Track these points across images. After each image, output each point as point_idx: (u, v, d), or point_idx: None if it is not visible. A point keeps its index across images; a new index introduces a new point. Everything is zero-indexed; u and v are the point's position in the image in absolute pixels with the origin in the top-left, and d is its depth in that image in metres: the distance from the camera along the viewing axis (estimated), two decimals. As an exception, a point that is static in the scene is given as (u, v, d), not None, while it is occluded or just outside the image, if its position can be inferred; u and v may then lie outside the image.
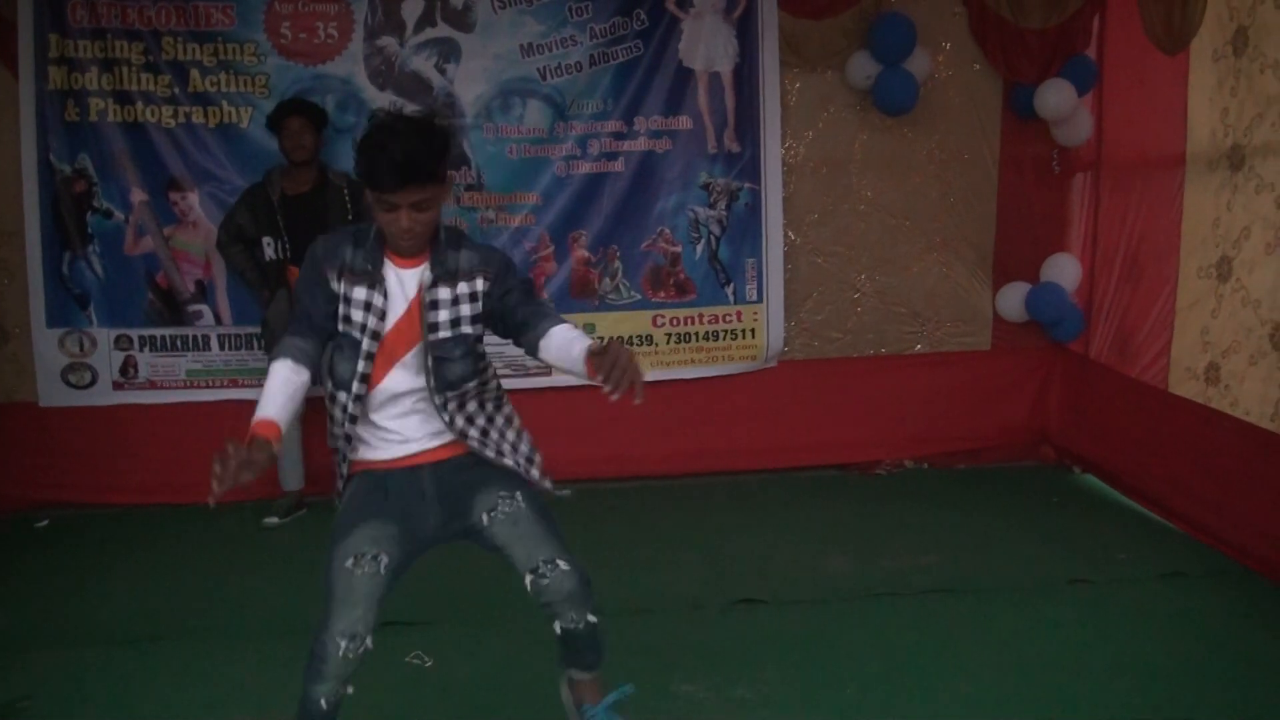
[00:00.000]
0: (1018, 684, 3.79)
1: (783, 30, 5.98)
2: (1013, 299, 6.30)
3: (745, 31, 5.97)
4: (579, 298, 6.12)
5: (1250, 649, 4.04)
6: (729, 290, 6.18)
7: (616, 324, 6.14)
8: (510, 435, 3.06)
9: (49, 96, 5.70)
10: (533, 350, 2.88)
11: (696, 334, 6.20)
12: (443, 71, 5.88)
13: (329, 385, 2.90)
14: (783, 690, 3.80)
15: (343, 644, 2.72)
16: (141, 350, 5.88)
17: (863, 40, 5.95)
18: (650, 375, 6.09)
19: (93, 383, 5.87)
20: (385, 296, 2.81)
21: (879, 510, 5.74)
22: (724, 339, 6.21)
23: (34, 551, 5.43)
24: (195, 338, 5.90)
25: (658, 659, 4.06)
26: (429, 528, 2.94)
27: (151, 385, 5.91)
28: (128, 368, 5.87)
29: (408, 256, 2.84)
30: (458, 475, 2.94)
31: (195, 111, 5.74)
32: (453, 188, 2.93)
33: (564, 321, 2.89)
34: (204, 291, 5.89)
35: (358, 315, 2.81)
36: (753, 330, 6.22)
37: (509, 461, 2.98)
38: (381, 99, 5.83)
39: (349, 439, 2.90)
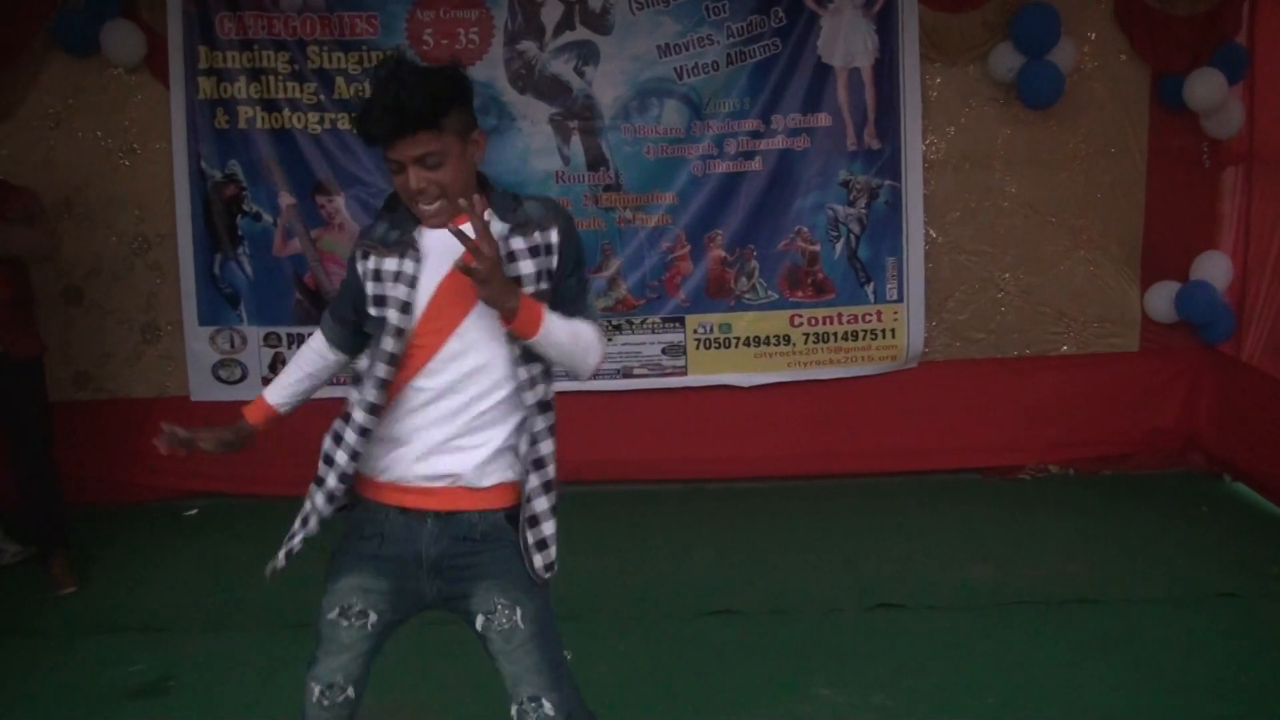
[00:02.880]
0: (1162, 699, 3.69)
1: (923, 23, 5.90)
2: (1162, 298, 6.11)
3: (885, 26, 5.90)
4: (715, 297, 6.09)
5: None
6: (869, 289, 6.10)
7: (753, 324, 6.11)
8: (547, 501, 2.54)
9: (199, 106, 5.89)
10: None
11: (835, 334, 6.13)
12: (581, 74, 5.93)
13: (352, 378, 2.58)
14: (922, 698, 3.75)
15: (317, 689, 2.57)
16: (290, 347, 6.01)
17: (1005, 32, 5.83)
18: (788, 375, 6.12)
19: (243, 378, 6.04)
20: (418, 261, 2.44)
21: (1021, 516, 5.61)
22: (863, 339, 6.13)
23: (184, 539, 5.61)
24: (341, 335, 6.01)
25: (796, 661, 4.05)
26: (424, 597, 2.54)
27: (299, 382, 6.03)
28: (276, 364, 6.00)
29: (440, 227, 2.41)
30: (462, 551, 2.48)
31: (341, 118, 5.88)
32: (477, 144, 2.43)
33: (592, 325, 2.52)
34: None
35: (389, 289, 2.45)
36: (893, 330, 6.13)
37: (529, 558, 2.49)
38: (521, 102, 5.92)
39: (354, 455, 2.51)
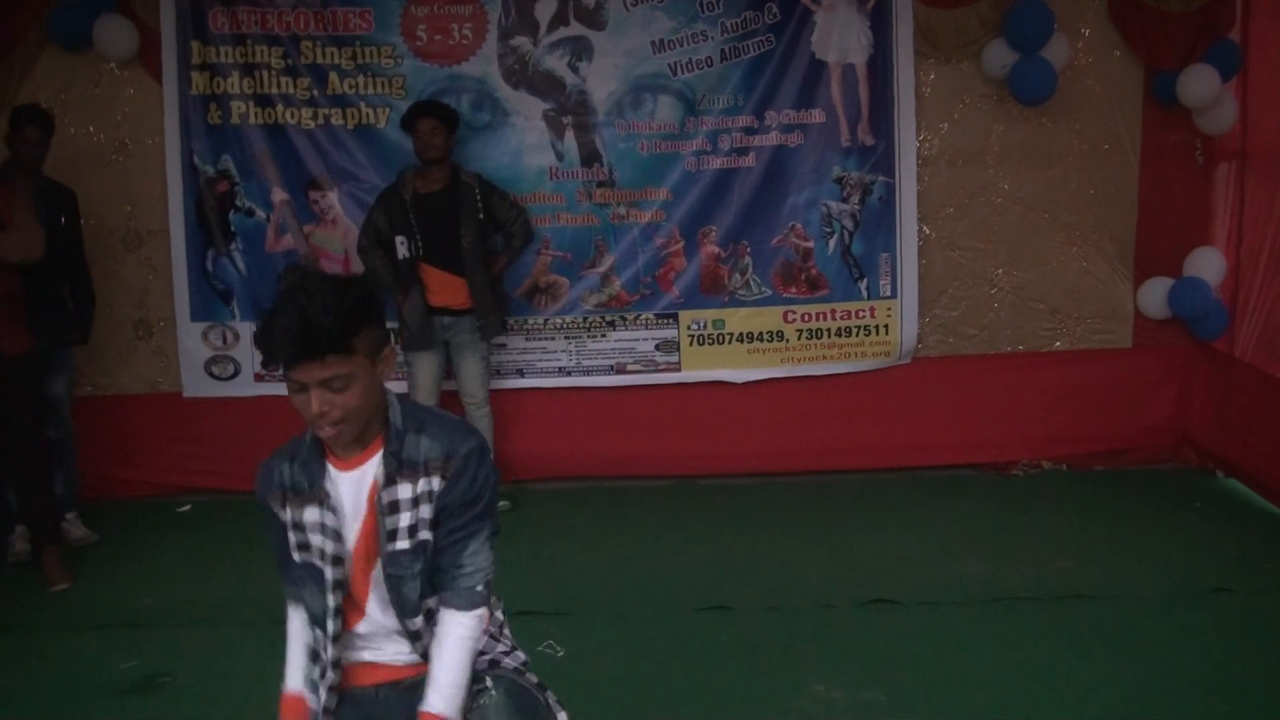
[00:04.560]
0: (1156, 694, 3.68)
1: (917, 20, 5.91)
2: (1154, 294, 6.11)
3: (879, 22, 5.91)
4: (709, 293, 6.10)
5: None
6: (862, 285, 6.10)
7: (747, 320, 6.12)
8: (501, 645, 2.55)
9: (192, 101, 5.90)
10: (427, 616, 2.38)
11: (828, 330, 6.13)
12: (575, 70, 5.93)
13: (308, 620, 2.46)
14: (915, 694, 3.75)
15: None
16: (282, 344, 5.99)
17: (999, 28, 5.83)
18: (781, 371, 6.13)
19: (235, 375, 6.05)
20: (335, 512, 2.30)
21: (1014, 512, 5.63)
22: (857, 335, 6.13)
23: (177, 534, 5.62)
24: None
25: (790, 657, 4.05)
26: None
27: (292, 378, 6.02)
28: (269, 361, 5.99)
29: (346, 455, 2.31)
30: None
31: (334, 113, 5.89)
32: (386, 362, 2.27)
33: (464, 611, 2.33)
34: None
35: (315, 540, 2.33)
36: (886, 326, 6.13)
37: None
38: (515, 98, 5.93)
39: (338, 668, 2.42)
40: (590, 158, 5.98)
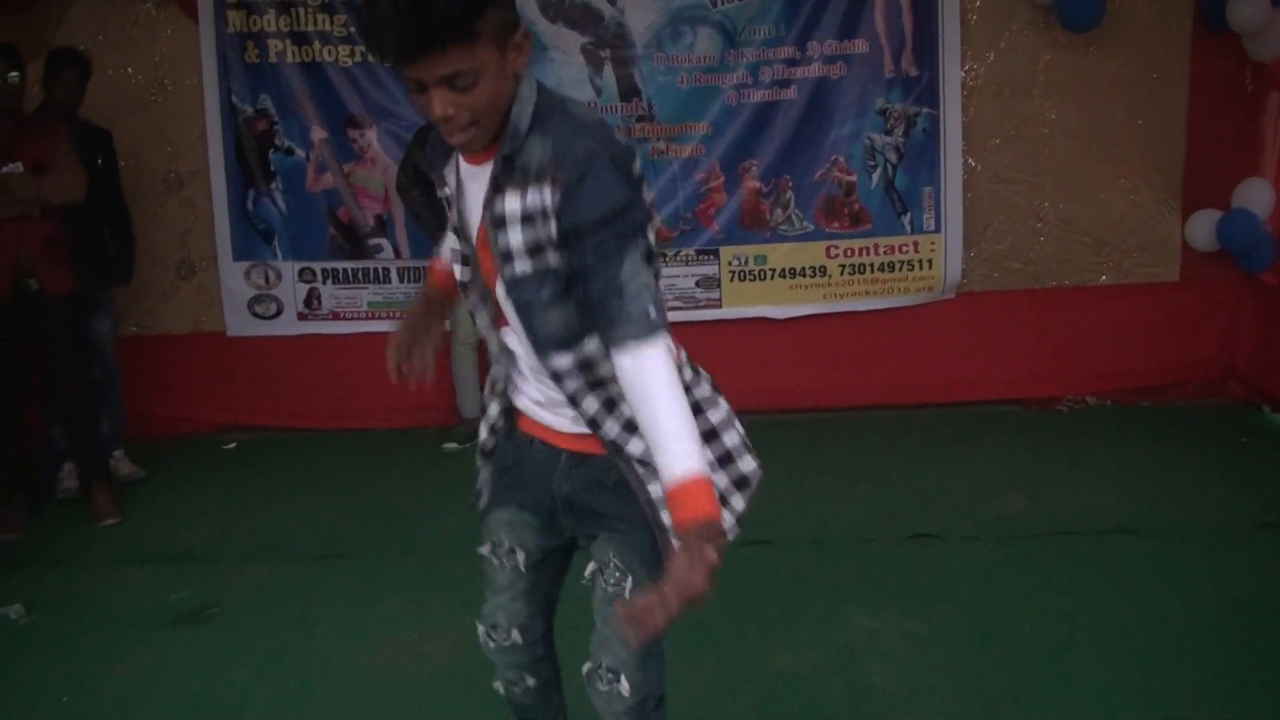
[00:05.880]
0: (1200, 630, 3.64)
1: (962, -56, 5.78)
2: (1202, 227, 5.99)
3: (923, -53, 5.79)
4: (750, 229, 6.04)
5: None
6: (905, 220, 6.02)
7: (789, 255, 6.06)
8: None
9: (229, 40, 5.87)
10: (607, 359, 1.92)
11: (871, 265, 6.07)
12: (613, 2, 5.85)
13: None
14: (957, 626, 3.73)
15: (482, 629, 2.35)
16: (324, 283, 6.04)
17: (1046, -48, 5.70)
18: (824, 307, 6.07)
19: (278, 314, 6.08)
20: (460, 191, 2.05)
21: (1058, 447, 5.57)
22: (900, 270, 6.07)
23: (223, 472, 5.68)
24: (376, 270, 6.02)
25: (831, 589, 4.04)
26: (564, 529, 2.24)
27: (334, 316, 6.09)
28: (311, 299, 6.04)
29: (472, 154, 1.97)
30: (592, 494, 2.13)
31: (371, 50, 5.84)
32: (520, 49, 1.86)
33: (642, 341, 1.81)
34: (383, 225, 6.01)
35: (451, 214, 2.11)
36: (930, 261, 6.06)
37: (647, 498, 2.04)
38: (553, 32, 5.85)
39: (507, 377, 2.21)
40: (629, 92, 5.91)
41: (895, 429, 5.94)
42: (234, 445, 6.02)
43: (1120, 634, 3.62)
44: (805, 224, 6.04)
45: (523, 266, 1.92)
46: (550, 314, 1.95)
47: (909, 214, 6.02)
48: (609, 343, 1.84)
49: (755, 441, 2.18)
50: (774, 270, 6.08)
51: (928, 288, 6.10)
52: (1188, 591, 3.92)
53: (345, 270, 6.04)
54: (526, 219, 1.88)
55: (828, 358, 6.14)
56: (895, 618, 3.78)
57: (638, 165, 1.93)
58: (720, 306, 6.09)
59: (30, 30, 5.70)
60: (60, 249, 4.80)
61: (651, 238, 1.94)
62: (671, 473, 1.77)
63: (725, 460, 2.13)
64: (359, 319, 6.04)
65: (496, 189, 1.91)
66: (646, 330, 1.80)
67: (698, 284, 6.08)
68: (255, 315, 6.07)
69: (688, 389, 1.98)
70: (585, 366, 1.99)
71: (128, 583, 4.30)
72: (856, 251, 6.07)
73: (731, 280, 6.09)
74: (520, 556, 2.27)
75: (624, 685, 2.16)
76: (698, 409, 2.05)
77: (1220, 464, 5.24)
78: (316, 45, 5.86)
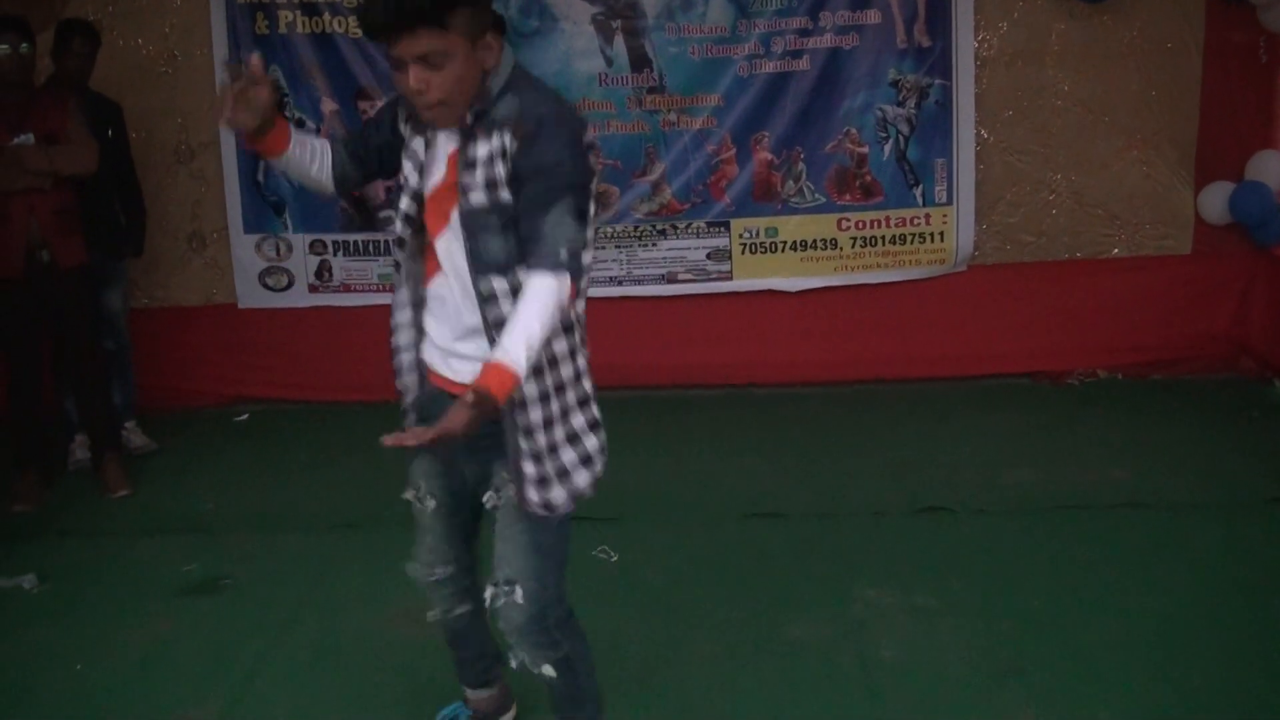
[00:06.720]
0: (1211, 604, 3.63)
1: (975, -87, 5.73)
2: (1215, 199, 5.97)
3: (936, -84, 5.74)
4: (762, 201, 6.02)
5: None
6: (917, 192, 6.00)
7: (800, 227, 6.04)
8: (561, 430, 2.42)
9: (239, 10, 5.86)
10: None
11: (883, 237, 6.05)
12: (624, -29, 5.83)
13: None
14: (966, 599, 3.73)
15: (413, 566, 2.70)
16: (335, 255, 6.05)
17: (1060, -79, 5.66)
18: (835, 280, 6.06)
19: (289, 286, 6.09)
20: (428, 146, 2.36)
21: (1069, 421, 5.57)
22: (911, 242, 6.05)
23: (235, 443, 5.71)
24: (387, 243, 5.99)
25: (841, 563, 4.05)
26: (467, 480, 2.56)
27: (345, 288, 6.10)
28: (322, 271, 6.05)
29: (445, 127, 2.33)
30: (487, 430, 2.24)
31: (381, 21, 5.81)
32: (488, 49, 2.22)
33: (544, 271, 2.19)
34: (394, 198, 5.98)
35: (407, 166, 2.40)
36: (942, 233, 6.04)
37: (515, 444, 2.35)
38: (563, 2, 5.83)
39: (421, 331, 2.49)
40: (640, 63, 5.88)
41: (905, 402, 5.94)
42: (245, 417, 6.05)
43: (1130, 608, 3.62)
44: (817, 196, 6.02)
45: (478, 198, 2.25)
46: (494, 240, 2.26)
47: (921, 186, 6.00)
48: (527, 268, 2.21)
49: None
50: (785, 243, 6.06)
51: (939, 260, 6.08)
52: (1198, 566, 3.91)
53: (356, 243, 6.04)
54: (489, 160, 2.24)
55: (839, 331, 6.13)
56: (906, 591, 3.79)
57: (588, 136, 2.30)
58: (731, 279, 6.09)
59: (40, 2, 5.70)
60: (72, 221, 4.80)
61: (590, 200, 2.29)
62: (492, 352, 2.15)
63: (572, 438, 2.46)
64: (370, 291, 6.03)
65: (470, 137, 2.26)
66: (550, 264, 2.18)
67: (708, 256, 6.07)
68: (266, 287, 6.09)
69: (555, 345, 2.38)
70: (514, 293, 2.26)
71: (140, 553, 4.33)
72: (868, 224, 6.05)
73: (742, 253, 6.07)
74: (430, 504, 2.62)
75: (518, 594, 2.41)
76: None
77: (1231, 438, 5.22)
78: (326, 16, 5.84)
